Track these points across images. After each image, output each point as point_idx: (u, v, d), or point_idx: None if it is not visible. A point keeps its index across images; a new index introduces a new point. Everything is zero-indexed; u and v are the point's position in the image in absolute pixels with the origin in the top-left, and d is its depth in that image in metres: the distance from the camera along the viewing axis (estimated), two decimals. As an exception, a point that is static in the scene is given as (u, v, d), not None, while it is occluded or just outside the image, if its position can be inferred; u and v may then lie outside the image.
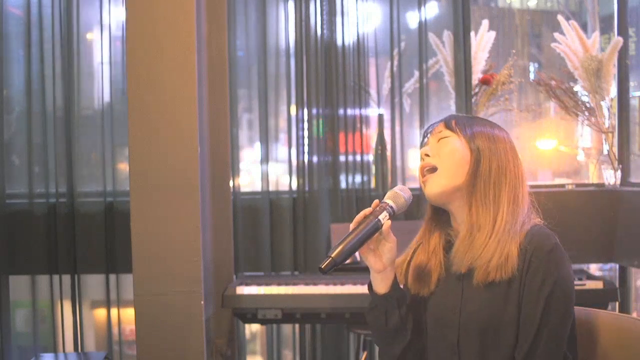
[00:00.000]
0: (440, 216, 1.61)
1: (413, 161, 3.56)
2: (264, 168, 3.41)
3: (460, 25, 3.38)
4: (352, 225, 1.51)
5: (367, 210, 1.53)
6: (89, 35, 3.53)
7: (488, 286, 1.47)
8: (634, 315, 3.49)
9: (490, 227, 1.49)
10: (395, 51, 3.47)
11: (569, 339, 1.48)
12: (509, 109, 3.55)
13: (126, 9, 2.45)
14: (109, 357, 3.03)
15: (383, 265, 1.56)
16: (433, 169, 1.55)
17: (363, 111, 3.42)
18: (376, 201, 1.55)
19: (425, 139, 1.61)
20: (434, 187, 1.54)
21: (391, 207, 1.54)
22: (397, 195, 1.56)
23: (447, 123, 1.58)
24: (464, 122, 1.57)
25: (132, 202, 2.43)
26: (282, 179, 3.53)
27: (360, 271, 2.99)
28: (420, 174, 1.58)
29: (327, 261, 1.45)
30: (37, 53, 3.29)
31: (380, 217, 1.52)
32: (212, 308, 3.03)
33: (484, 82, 3.43)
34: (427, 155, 1.57)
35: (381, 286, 1.58)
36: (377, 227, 1.52)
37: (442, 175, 1.54)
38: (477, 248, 1.48)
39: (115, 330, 3.36)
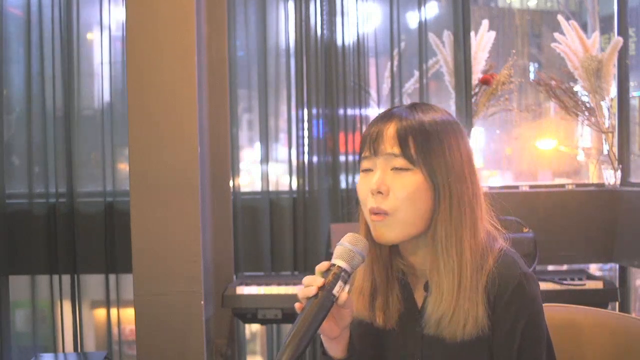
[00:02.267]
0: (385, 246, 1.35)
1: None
2: (264, 168, 3.41)
3: (460, 25, 3.38)
4: (297, 307, 1.21)
5: (314, 281, 1.21)
6: (89, 35, 3.54)
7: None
8: (634, 315, 3.49)
9: (457, 285, 1.25)
10: (395, 51, 3.47)
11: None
12: (509, 109, 3.55)
13: (126, 9, 2.45)
14: (108, 357, 3.03)
15: (339, 332, 1.29)
16: (387, 213, 1.26)
17: (363, 111, 3.42)
18: (325, 263, 1.24)
19: (367, 151, 1.29)
20: (389, 236, 1.28)
21: (345, 271, 1.22)
22: (351, 254, 1.23)
23: (405, 150, 1.26)
24: (423, 148, 1.26)
25: (132, 202, 2.43)
26: (282, 179, 3.53)
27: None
28: (369, 214, 1.28)
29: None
30: (37, 53, 3.29)
31: (334, 290, 1.20)
32: (212, 308, 3.03)
33: (484, 82, 3.43)
34: (379, 192, 1.26)
35: (337, 350, 1.32)
36: (331, 304, 1.21)
37: (398, 222, 1.27)
38: (447, 311, 1.25)
39: (115, 330, 3.36)
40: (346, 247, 1.24)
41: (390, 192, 1.26)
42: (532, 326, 1.27)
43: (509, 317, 1.26)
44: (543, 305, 1.32)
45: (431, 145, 1.26)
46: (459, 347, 1.26)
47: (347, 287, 1.23)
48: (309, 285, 1.21)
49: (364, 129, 3.41)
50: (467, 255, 1.26)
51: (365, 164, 1.30)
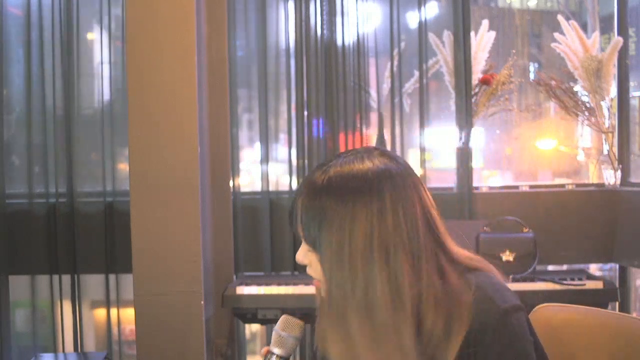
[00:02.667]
0: None
1: (413, 161, 3.55)
2: (264, 168, 3.41)
3: (460, 25, 3.38)
4: None
5: None
6: (89, 35, 3.54)
7: None
8: (634, 315, 3.49)
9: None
10: (395, 51, 3.47)
11: None
12: (509, 109, 3.55)
13: (126, 9, 2.46)
14: (108, 357, 3.03)
15: None
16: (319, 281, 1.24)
17: (363, 111, 3.42)
18: (264, 349, 1.32)
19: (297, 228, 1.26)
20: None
21: (282, 358, 1.31)
22: (284, 340, 1.31)
23: (305, 231, 1.21)
24: (318, 233, 1.18)
25: (132, 202, 2.43)
26: (282, 179, 3.53)
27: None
28: None
29: None
30: (37, 53, 3.29)
31: None
32: (212, 308, 3.03)
33: (484, 82, 3.43)
34: (304, 264, 1.27)
35: None
36: None
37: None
38: None
39: (115, 330, 3.36)
40: (279, 334, 1.31)
41: (311, 265, 1.25)
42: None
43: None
44: (544, 305, 1.28)
45: (323, 232, 1.17)
46: None
47: None
48: None
49: (364, 129, 3.43)
50: (359, 341, 1.14)
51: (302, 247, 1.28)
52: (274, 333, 1.32)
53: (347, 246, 1.15)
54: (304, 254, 1.25)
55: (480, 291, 1.17)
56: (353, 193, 1.16)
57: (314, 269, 1.23)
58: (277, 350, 1.31)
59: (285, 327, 1.32)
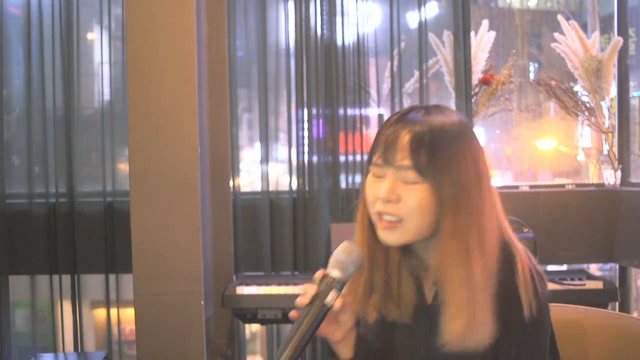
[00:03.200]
0: None
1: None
2: (264, 168, 3.41)
3: (460, 25, 3.38)
4: (291, 315, 1.24)
5: (308, 290, 1.24)
6: (89, 35, 3.54)
7: None
8: (634, 315, 3.49)
9: (467, 300, 1.25)
10: (395, 51, 3.47)
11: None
12: (509, 109, 3.55)
13: (126, 9, 2.45)
14: (108, 357, 3.03)
15: (341, 335, 1.31)
16: (397, 220, 1.28)
17: (363, 111, 3.42)
18: (320, 273, 1.27)
19: (379, 159, 1.31)
20: (396, 240, 1.30)
21: (339, 280, 1.25)
22: (345, 264, 1.26)
23: (417, 163, 1.26)
24: (433, 161, 1.26)
25: (132, 202, 2.43)
26: (282, 179, 3.53)
27: (360, 271, 2.99)
28: (376, 216, 1.30)
29: None
30: (37, 53, 3.29)
31: (328, 300, 1.23)
32: (212, 308, 3.03)
33: (484, 82, 3.43)
34: (388, 200, 1.27)
35: (344, 351, 1.33)
36: (325, 313, 1.24)
37: (406, 230, 1.28)
38: (461, 328, 1.25)
39: (115, 330, 3.36)
40: (339, 257, 1.27)
41: (400, 200, 1.28)
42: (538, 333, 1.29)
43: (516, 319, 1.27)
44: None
45: (440, 158, 1.26)
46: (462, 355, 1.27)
47: (340, 301, 1.25)
48: (305, 293, 1.24)
49: (364, 129, 3.42)
50: (476, 267, 1.26)
51: (376, 170, 1.31)
52: (332, 258, 1.27)
53: (464, 169, 1.27)
54: (392, 190, 1.27)
55: (519, 256, 1.33)
56: (458, 128, 1.30)
57: (406, 202, 1.27)
58: (336, 273, 1.25)
59: (348, 252, 1.27)
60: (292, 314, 1.24)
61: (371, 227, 1.33)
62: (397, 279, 1.36)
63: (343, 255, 1.26)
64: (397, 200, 1.28)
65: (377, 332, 1.38)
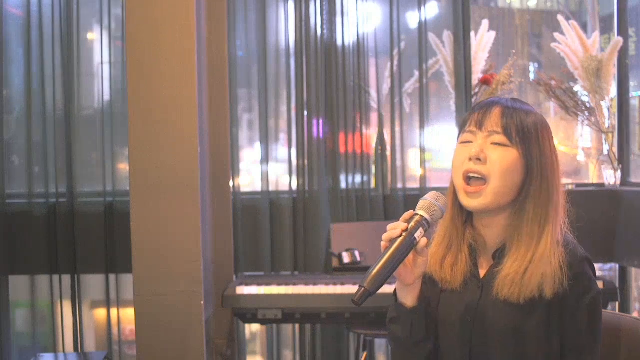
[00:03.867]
0: (463, 212, 1.50)
1: (413, 161, 3.56)
2: (264, 168, 3.41)
3: (460, 25, 3.38)
4: (383, 244, 1.36)
5: (398, 225, 1.36)
6: (89, 35, 3.54)
7: (512, 304, 1.40)
8: (634, 315, 3.49)
9: (534, 251, 1.40)
10: (395, 51, 3.47)
11: None
12: (509, 109, 3.55)
13: (126, 9, 2.45)
14: (108, 357, 3.03)
15: (413, 279, 1.42)
16: (482, 180, 1.41)
17: (363, 111, 3.42)
18: (409, 212, 1.39)
19: (471, 126, 1.45)
20: (480, 204, 1.43)
21: (426, 220, 1.37)
22: (433, 207, 1.38)
23: (507, 129, 1.42)
24: (522, 131, 1.42)
25: (132, 202, 2.43)
26: (282, 179, 3.53)
27: (361, 271, 2.99)
28: (463, 177, 1.43)
29: (360, 292, 1.30)
30: (37, 53, 3.29)
31: (416, 234, 1.36)
32: (212, 308, 3.03)
33: (484, 82, 3.43)
34: (478, 159, 1.41)
35: (408, 298, 1.44)
36: (412, 246, 1.36)
37: (492, 191, 1.41)
38: (520, 270, 1.39)
39: (115, 330, 3.36)
40: (429, 200, 1.39)
41: (488, 160, 1.41)
42: (595, 304, 1.42)
43: (574, 294, 1.40)
44: None
45: (529, 132, 1.43)
46: (512, 313, 1.39)
47: (425, 239, 1.37)
48: (394, 228, 1.36)
49: (364, 129, 3.43)
50: (549, 228, 1.41)
51: (466, 137, 1.45)
52: (421, 201, 1.40)
53: (547, 151, 1.44)
54: (482, 150, 1.42)
55: (568, 239, 1.47)
56: (542, 119, 1.50)
57: (494, 163, 1.41)
58: (424, 213, 1.38)
59: (436, 198, 1.40)
60: (383, 244, 1.36)
61: (456, 200, 1.47)
62: (457, 248, 1.48)
63: (432, 199, 1.39)
64: (485, 159, 1.41)
65: (429, 293, 1.50)
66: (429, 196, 1.40)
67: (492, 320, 1.42)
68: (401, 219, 1.38)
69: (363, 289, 1.30)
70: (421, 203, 1.40)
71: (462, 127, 1.49)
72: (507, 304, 1.40)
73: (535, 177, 1.42)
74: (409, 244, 1.35)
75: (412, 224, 1.36)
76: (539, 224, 1.41)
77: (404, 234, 1.35)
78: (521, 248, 1.41)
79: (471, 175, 1.42)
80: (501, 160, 1.41)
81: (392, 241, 1.35)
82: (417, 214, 1.38)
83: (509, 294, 1.39)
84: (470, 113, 1.49)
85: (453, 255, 1.49)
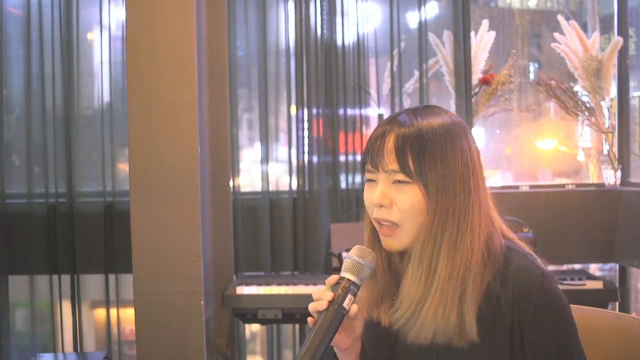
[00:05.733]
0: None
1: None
2: (264, 168, 3.41)
3: (460, 25, 3.38)
4: (310, 321, 1.23)
5: (324, 295, 1.23)
6: (89, 35, 3.53)
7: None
8: (634, 315, 3.49)
9: (422, 294, 1.25)
10: (395, 51, 3.47)
11: None
12: (509, 109, 3.55)
13: (126, 9, 2.45)
14: (108, 357, 3.03)
15: (350, 343, 1.31)
16: (394, 225, 1.28)
17: (363, 111, 3.42)
18: (334, 277, 1.26)
19: (369, 165, 1.31)
20: (396, 246, 1.30)
21: (355, 284, 1.24)
22: (360, 267, 1.25)
23: (403, 165, 1.26)
24: (419, 160, 1.26)
25: (132, 202, 2.43)
26: (282, 179, 3.53)
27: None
28: (376, 223, 1.31)
29: None
30: (37, 53, 3.29)
31: (345, 303, 1.22)
32: (212, 308, 3.03)
33: (484, 82, 3.43)
34: (382, 205, 1.28)
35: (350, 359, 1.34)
36: (343, 316, 1.23)
37: (405, 233, 1.28)
38: (411, 319, 1.25)
39: (115, 330, 3.36)
40: (354, 260, 1.26)
41: (393, 204, 1.28)
42: (566, 339, 1.27)
43: (539, 332, 1.25)
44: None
45: (426, 158, 1.26)
46: (471, 352, 1.26)
47: (356, 306, 1.24)
48: (319, 299, 1.23)
49: (364, 129, 3.42)
50: (441, 265, 1.24)
51: (368, 175, 1.32)
52: (347, 260, 1.26)
53: (450, 170, 1.26)
54: (384, 195, 1.28)
55: (515, 253, 1.30)
56: (447, 128, 1.29)
57: (399, 205, 1.27)
58: (351, 277, 1.24)
59: (362, 254, 1.27)
60: (310, 320, 1.24)
61: (375, 233, 1.33)
62: (396, 283, 1.34)
63: (357, 258, 1.26)
64: (389, 204, 1.28)
65: (379, 340, 1.37)
66: (354, 253, 1.27)
67: (458, 354, 1.27)
68: (326, 284, 1.25)
69: None
70: (346, 263, 1.26)
71: (363, 157, 1.34)
72: (427, 349, 1.27)
73: (431, 212, 1.26)
74: (338, 317, 1.22)
75: (338, 291, 1.23)
76: (427, 262, 1.25)
77: (331, 306, 1.22)
78: (410, 292, 1.26)
79: (382, 222, 1.29)
80: (404, 202, 1.27)
81: (319, 315, 1.22)
82: (344, 278, 1.24)
83: (419, 337, 1.25)
84: (369, 139, 1.33)
85: (388, 297, 1.34)
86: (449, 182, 1.26)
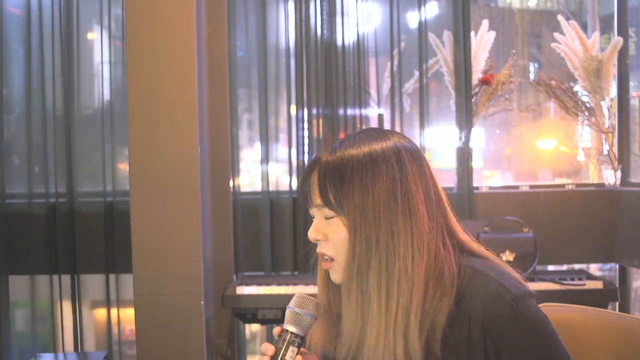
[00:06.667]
0: None
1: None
2: (264, 168, 3.41)
3: (460, 25, 3.38)
4: None
5: (267, 350, 1.25)
6: (89, 35, 3.54)
7: None
8: (634, 315, 3.49)
9: (358, 331, 1.21)
10: (395, 51, 3.47)
11: None
12: (509, 109, 3.55)
13: (126, 9, 2.45)
14: (108, 357, 3.03)
15: None
16: (330, 259, 1.26)
17: (363, 111, 3.42)
18: (277, 329, 1.27)
19: (307, 202, 1.29)
20: (337, 278, 1.27)
21: (297, 335, 1.24)
22: (299, 317, 1.25)
23: (326, 200, 1.23)
24: (337, 190, 1.22)
25: (132, 202, 2.43)
26: (282, 179, 3.53)
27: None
28: (320, 256, 1.29)
29: None
30: (37, 53, 3.29)
31: (287, 357, 1.23)
32: (212, 308, 3.03)
33: (484, 82, 3.43)
34: (316, 239, 1.27)
35: None
36: None
37: (340, 267, 1.25)
38: (370, 354, 1.20)
39: (115, 330, 3.36)
40: (293, 310, 1.25)
41: (328, 238, 1.26)
42: (548, 353, 1.20)
43: (517, 353, 1.19)
44: (544, 305, 1.29)
45: (344, 189, 1.22)
46: None
47: (300, 357, 1.24)
48: (264, 354, 1.24)
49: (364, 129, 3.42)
50: (372, 300, 1.19)
51: (309, 210, 1.30)
52: (287, 311, 1.26)
53: (370, 199, 1.20)
54: (317, 230, 1.27)
55: (483, 276, 1.21)
56: (373, 155, 1.23)
57: (332, 240, 1.25)
58: (292, 328, 1.24)
59: (301, 304, 1.26)
60: None
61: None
62: (337, 316, 1.32)
63: (296, 309, 1.25)
64: (324, 238, 1.26)
65: None
66: (293, 303, 1.26)
67: None
68: (273, 334, 1.26)
69: None
70: (287, 314, 1.26)
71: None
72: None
73: (356, 244, 1.21)
74: None
75: (280, 344, 1.24)
76: (356, 297, 1.21)
77: None
78: (347, 328, 1.23)
79: (322, 256, 1.28)
80: (335, 236, 1.24)
81: None
82: (286, 331, 1.25)
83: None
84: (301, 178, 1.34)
85: (337, 327, 1.31)
86: (369, 211, 1.20)
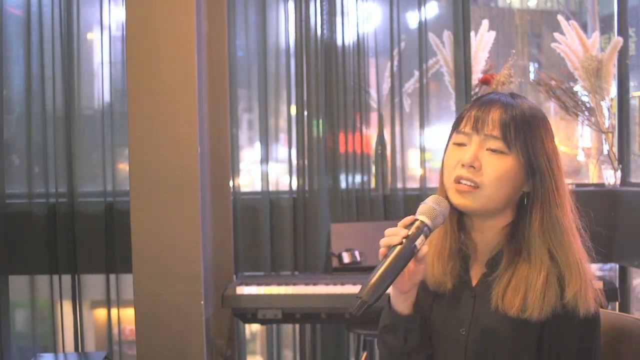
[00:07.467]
0: (455, 215, 1.41)
1: (413, 161, 3.56)
2: (264, 168, 3.41)
3: (460, 25, 3.38)
4: (382, 250, 1.28)
5: (398, 231, 1.29)
6: (89, 35, 3.54)
7: (508, 317, 1.33)
8: (634, 315, 3.49)
9: (551, 264, 1.35)
10: (395, 51, 3.47)
11: None
12: (509, 109, 3.54)
13: (126, 9, 2.45)
14: (109, 357, 3.03)
15: (410, 286, 1.35)
16: (475, 186, 1.33)
17: (363, 111, 3.42)
18: (409, 218, 1.31)
19: (467, 127, 1.36)
20: (469, 204, 1.35)
21: (427, 227, 1.29)
22: (435, 212, 1.30)
23: (506, 135, 1.33)
24: (523, 134, 1.34)
25: (132, 202, 2.43)
26: (282, 179, 3.53)
27: (361, 271, 2.99)
28: (454, 181, 1.35)
29: (358, 304, 1.23)
30: (37, 53, 3.29)
31: (417, 242, 1.27)
32: (212, 308, 3.03)
33: (484, 82, 3.43)
34: (471, 166, 1.33)
35: (404, 306, 1.38)
36: (413, 254, 1.28)
37: (483, 197, 1.34)
38: (532, 289, 1.32)
39: (115, 330, 3.37)
40: (430, 205, 1.31)
41: (482, 168, 1.34)
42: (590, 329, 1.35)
43: (566, 341, 1.33)
44: None
45: (531, 134, 1.35)
46: (504, 326, 1.33)
47: (427, 247, 1.30)
48: (394, 235, 1.28)
49: (364, 129, 3.42)
50: (567, 237, 1.38)
51: (460, 138, 1.37)
52: (422, 205, 1.32)
53: (548, 147, 1.37)
54: (476, 157, 1.34)
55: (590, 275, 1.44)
56: (543, 115, 1.41)
57: (486, 170, 1.33)
58: (424, 218, 1.29)
59: (438, 203, 1.32)
60: (381, 251, 1.28)
61: (446, 198, 1.38)
62: (447, 252, 1.41)
63: (433, 204, 1.31)
64: (479, 167, 1.33)
65: (421, 299, 1.42)
66: (430, 200, 1.32)
67: (488, 332, 1.35)
68: (400, 224, 1.30)
69: (360, 300, 1.23)
70: (422, 207, 1.31)
71: (456, 124, 1.40)
72: (506, 317, 1.32)
73: (542, 183, 1.35)
74: (409, 252, 1.26)
75: (412, 230, 1.28)
76: (553, 232, 1.35)
77: (404, 241, 1.27)
78: (531, 258, 1.34)
79: (463, 181, 1.34)
80: (496, 169, 1.33)
81: (391, 248, 1.27)
82: (418, 220, 1.29)
83: (513, 306, 1.31)
84: (466, 110, 1.39)
85: (444, 260, 1.41)
86: (552, 163, 1.37)
